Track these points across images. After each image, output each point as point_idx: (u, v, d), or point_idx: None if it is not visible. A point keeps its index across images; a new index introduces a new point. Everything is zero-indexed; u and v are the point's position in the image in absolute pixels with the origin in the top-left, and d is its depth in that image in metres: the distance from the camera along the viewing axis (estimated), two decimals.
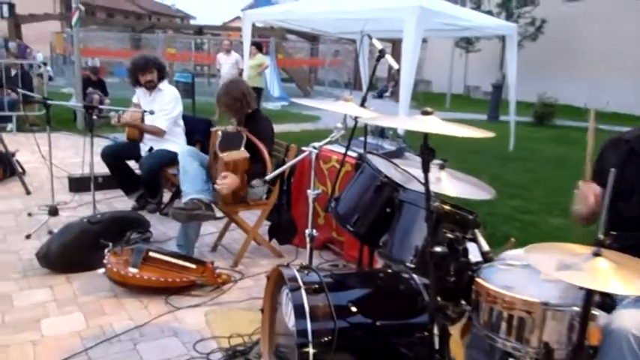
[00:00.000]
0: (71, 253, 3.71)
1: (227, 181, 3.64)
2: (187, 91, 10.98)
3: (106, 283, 3.49)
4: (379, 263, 2.88)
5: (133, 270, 3.40)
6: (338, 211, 2.61)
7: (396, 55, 3.23)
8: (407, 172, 2.66)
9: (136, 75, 4.81)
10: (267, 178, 2.99)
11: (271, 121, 4.05)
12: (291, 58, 21.18)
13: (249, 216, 4.58)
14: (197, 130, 5.23)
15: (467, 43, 20.27)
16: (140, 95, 5.05)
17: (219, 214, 4.33)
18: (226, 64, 11.91)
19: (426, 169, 1.88)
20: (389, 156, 3.03)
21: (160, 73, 4.82)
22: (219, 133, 3.77)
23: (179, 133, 5.05)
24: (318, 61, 22.97)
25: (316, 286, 2.11)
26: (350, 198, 2.64)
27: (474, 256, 2.16)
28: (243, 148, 3.69)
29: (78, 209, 5.11)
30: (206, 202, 3.64)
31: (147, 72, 4.79)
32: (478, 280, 2.00)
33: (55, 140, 4.58)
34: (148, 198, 5.01)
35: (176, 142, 4.96)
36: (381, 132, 4.24)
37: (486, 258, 2.16)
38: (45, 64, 11.28)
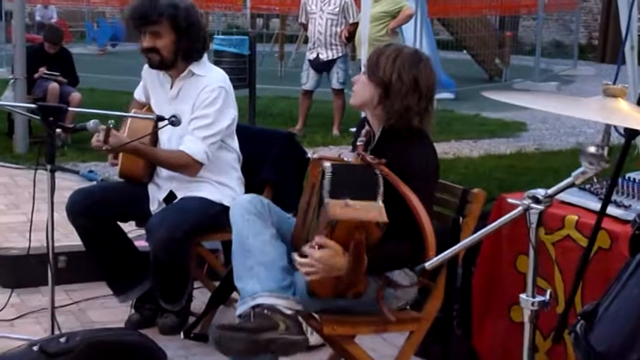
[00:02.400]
0: None
1: (318, 255, 3.66)
2: (239, 72, 11.39)
3: None
4: None
5: None
6: (591, 344, 2.54)
7: None
8: None
9: (135, 22, 5.01)
10: (428, 264, 2.98)
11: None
12: None
13: (380, 345, 4.56)
14: (263, 158, 5.35)
15: None
16: (150, 83, 5.28)
17: (313, 339, 4.36)
18: (322, 15, 12.23)
19: None
20: None
21: (180, 34, 4.99)
22: (328, 166, 3.79)
23: (230, 164, 5.21)
24: (520, 1, 22.95)
25: None
26: (619, 317, 2.57)
27: None
28: (380, 203, 3.69)
29: (19, 324, 5.34)
30: (289, 315, 3.70)
31: (148, 28, 4.97)
32: None
33: None
34: (162, 301, 5.17)
35: (224, 184, 5.11)
36: None
37: None
38: None
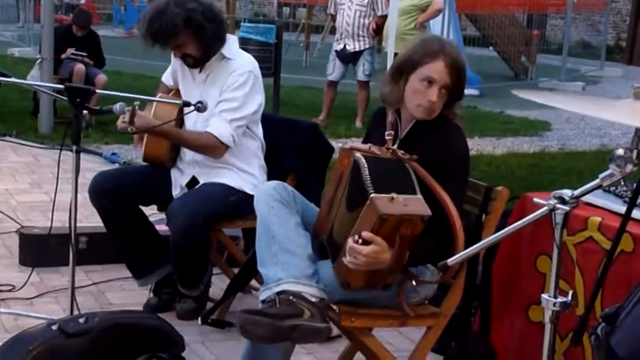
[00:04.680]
0: None
1: (367, 252, 3.62)
2: (265, 60, 11.38)
3: None
4: None
5: None
6: (612, 348, 2.53)
7: None
8: None
9: (157, 45, 5.09)
10: (450, 261, 2.97)
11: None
12: None
13: (397, 338, 4.58)
14: (287, 147, 5.36)
15: None
16: (180, 67, 5.28)
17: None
18: (350, 6, 12.20)
19: None
20: None
21: (206, 38, 5.00)
22: (361, 158, 3.76)
23: (254, 151, 5.23)
24: (549, 0, 22.87)
25: None
26: None
27: None
28: (419, 195, 3.68)
29: (39, 303, 5.38)
30: (313, 302, 3.71)
31: (172, 42, 5.01)
32: None
33: None
34: (181, 286, 5.19)
35: (247, 172, 5.13)
36: None
37: None
38: None
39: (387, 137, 3.98)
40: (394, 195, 3.58)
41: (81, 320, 4.10)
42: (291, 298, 3.65)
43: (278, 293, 3.68)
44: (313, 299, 3.67)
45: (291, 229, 3.82)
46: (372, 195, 3.59)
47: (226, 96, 5.01)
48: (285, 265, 3.74)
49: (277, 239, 3.79)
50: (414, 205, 3.60)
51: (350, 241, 3.63)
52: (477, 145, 11.33)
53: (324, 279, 3.79)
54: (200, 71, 5.13)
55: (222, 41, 5.05)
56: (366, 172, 3.67)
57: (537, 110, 13.78)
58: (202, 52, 5.01)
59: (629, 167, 2.68)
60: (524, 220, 2.94)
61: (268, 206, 3.86)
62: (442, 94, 3.87)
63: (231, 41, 5.16)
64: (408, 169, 3.76)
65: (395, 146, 3.92)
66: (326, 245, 3.88)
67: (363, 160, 3.71)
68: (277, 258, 3.77)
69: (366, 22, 12.08)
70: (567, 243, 4.11)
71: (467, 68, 3.99)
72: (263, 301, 3.72)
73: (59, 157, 4.56)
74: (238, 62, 5.09)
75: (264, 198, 3.89)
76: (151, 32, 4.97)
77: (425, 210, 3.60)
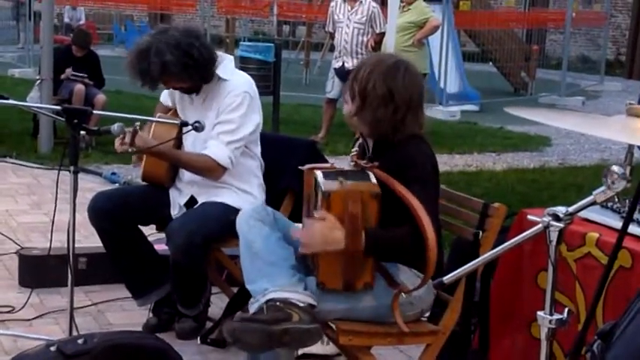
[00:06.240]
0: None
1: (316, 227, 3.72)
2: (264, 79, 11.41)
3: None
4: None
5: None
6: None
7: None
8: None
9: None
10: (446, 279, 2.97)
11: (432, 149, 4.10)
12: (489, 9, 21.27)
13: (396, 356, 4.57)
14: (286, 165, 5.37)
15: None
16: (176, 92, 5.30)
17: (329, 348, 4.36)
18: (349, 24, 12.22)
19: None
20: None
21: (189, 77, 5.02)
22: (320, 173, 3.85)
23: (252, 171, 5.24)
24: (548, 15, 22.92)
25: None
26: (636, 338, 2.55)
27: None
28: (373, 180, 3.80)
29: (38, 324, 5.38)
30: (301, 306, 3.72)
31: (164, 81, 5.09)
32: None
33: None
34: (180, 306, 5.19)
35: (246, 191, 5.15)
36: None
37: None
38: None
39: (352, 154, 4.11)
40: (341, 179, 3.73)
41: (79, 341, 4.09)
42: (278, 304, 3.69)
43: (266, 302, 3.73)
44: (301, 304, 3.71)
45: (273, 244, 3.89)
46: (320, 183, 3.76)
47: (223, 118, 5.02)
48: (271, 277, 3.80)
49: (260, 255, 3.87)
50: (362, 185, 3.74)
51: (305, 219, 3.82)
52: (476, 161, 11.35)
53: (312, 289, 3.84)
54: (197, 94, 5.14)
55: (209, 76, 5.05)
56: (321, 178, 3.81)
57: (537, 125, 13.77)
58: (189, 86, 5.07)
59: (622, 184, 2.68)
60: (518, 237, 2.94)
61: (248, 225, 3.94)
62: (351, 103, 4.02)
63: (227, 62, 5.16)
64: (368, 173, 3.86)
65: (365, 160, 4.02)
66: (310, 264, 3.95)
67: (321, 175, 3.84)
68: (262, 272, 3.84)
69: (364, 39, 12.09)
70: (567, 258, 4.12)
71: (379, 78, 3.95)
72: (254, 313, 3.75)
73: (57, 177, 4.58)
74: (234, 83, 5.09)
75: (245, 219, 3.98)
76: (133, 73, 5.03)
77: (372, 187, 3.72)
